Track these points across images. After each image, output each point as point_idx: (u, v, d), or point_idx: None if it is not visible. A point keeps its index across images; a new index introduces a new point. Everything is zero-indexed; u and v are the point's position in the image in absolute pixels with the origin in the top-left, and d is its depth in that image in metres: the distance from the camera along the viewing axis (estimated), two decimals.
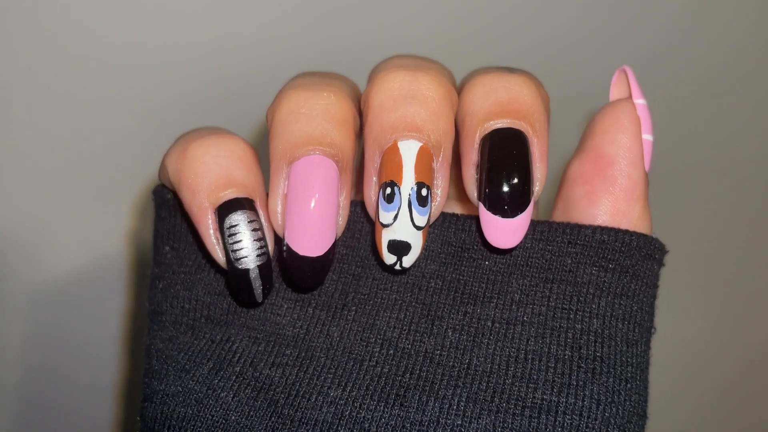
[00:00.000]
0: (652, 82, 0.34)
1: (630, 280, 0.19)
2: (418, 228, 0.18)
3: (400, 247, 0.18)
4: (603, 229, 0.19)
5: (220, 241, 0.19)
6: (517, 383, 0.18)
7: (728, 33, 0.35)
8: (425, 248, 0.20)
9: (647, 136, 0.20)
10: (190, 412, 0.19)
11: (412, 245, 0.18)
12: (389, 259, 0.18)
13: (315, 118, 0.18)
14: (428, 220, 0.18)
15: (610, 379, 0.18)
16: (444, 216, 0.20)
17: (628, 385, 0.19)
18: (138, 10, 0.28)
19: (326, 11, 0.30)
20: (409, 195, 0.18)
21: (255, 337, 0.20)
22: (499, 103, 0.18)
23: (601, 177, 0.20)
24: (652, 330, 0.20)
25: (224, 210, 0.18)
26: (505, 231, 0.18)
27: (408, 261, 0.18)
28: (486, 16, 0.32)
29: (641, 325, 0.19)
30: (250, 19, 0.29)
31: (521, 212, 0.18)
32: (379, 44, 0.30)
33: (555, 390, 0.18)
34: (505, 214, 0.18)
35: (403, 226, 0.18)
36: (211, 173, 0.18)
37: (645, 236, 0.20)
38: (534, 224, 0.20)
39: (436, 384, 0.19)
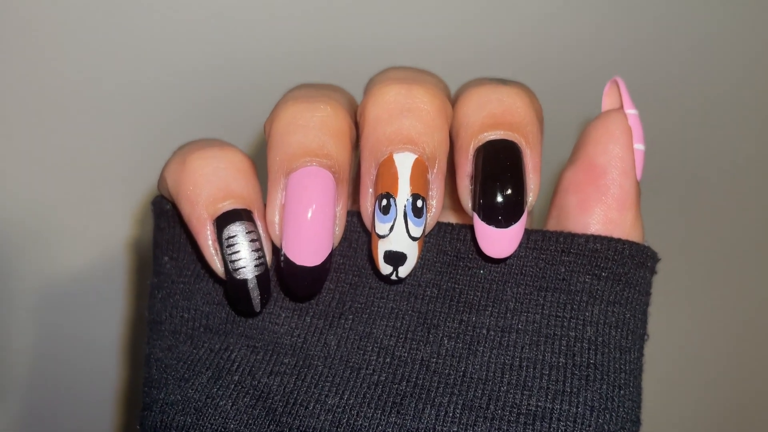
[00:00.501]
0: (643, 92, 0.34)
1: (623, 288, 0.20)
2: (413, 239, 0.18)
3: (395, 258, 0.18)
4: (596, 238, 0.20)
5: (219, 252, 0.19)
6: (512, 390, 0.19)
7: (719, 43, 0.35)
8: (421, 258, 0.20)
9: (639, 146, 0.21)
10: (189, 420, 0.19)
11: (407, 256, 0.18)
12: (385, 269, 0.19)
13: (312, 129, 0.18)
14: (424, 230, 0.19)
15: (604, 386, 0.19)
16: (439, 225, 0.20)
17: (622, 392, 0.19)
18: (138, 20, 0.28)
19: (325, 21, 0.30)
20: (405, 206, 0.18)
21: (253, 346, 0.20)
22: (492, 115, 0.18)
23: (594, 186, 0.20)
24: (645, 337, 0.20)
25: (222, 221, 0.19)
26: (499, 241, 0.18)
27: (404, 271, 0.19)
28: (481, 26, 0.32)
29: (634, 333, 0.20)
30: (249, 31, 0.29)
31: (515, 222, 0.18)
32: (376, 54, 0.30)
33: (549, 397, 0.18)
34: (499, 225, 0.18)
35: (398, 237, 0.18)
36: (209, 185, 0.19)
37: (637, 245, 0.20)
38: (528, 233, 0.20)
39: (432, 391, 0.19)
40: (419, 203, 0.18)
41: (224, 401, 0.19)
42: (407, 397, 0.19)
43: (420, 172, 0.18)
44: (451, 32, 0.32)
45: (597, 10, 0.33)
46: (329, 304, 0.20)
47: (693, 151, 0.38)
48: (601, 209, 0.20)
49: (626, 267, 0.20)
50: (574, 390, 0.18)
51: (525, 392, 0.18)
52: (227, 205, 0.19)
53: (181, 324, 0.21)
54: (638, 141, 0.21)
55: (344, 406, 0.19)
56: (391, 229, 0.18)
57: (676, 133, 0.37)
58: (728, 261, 0.41)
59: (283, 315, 0.20)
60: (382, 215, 0.18)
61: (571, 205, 0.20)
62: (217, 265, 0.19)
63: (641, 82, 0.34)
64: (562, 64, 0.33)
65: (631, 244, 0.20)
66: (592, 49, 0.33)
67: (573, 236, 0.20)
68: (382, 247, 0.18)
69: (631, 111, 0.21)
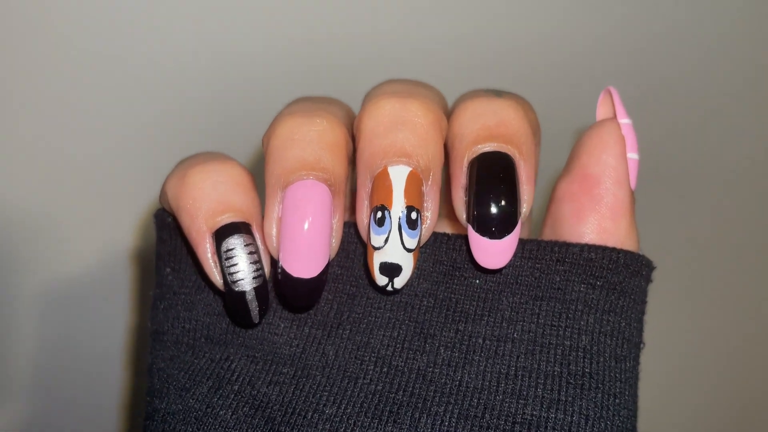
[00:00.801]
0: (640, 94, 0.34)
1: (617, 297, 0.20)
2: (408, 250, 0.18)
3: (391, 269, 0.19)
4: (590, 247, 0.20)
5: (218, 264, 0.19)
6: (507, 399, 0.19)
7: (715, 49, 0.35)
8: (417, 268, 0.20)
9: (632, 155, 0.21)
10: (190, 429, 0.19)
11: (403, 267, 0.19)
12: (381, 280, 0.19)
13: (309, 144, 0.19)
14: (418, 242, 0.19)
15: (599, 395, 0.19)
16: (435, 235, 0.20)
17: (617, 401, 0.19)
18: (142, 31, 0.29)
19: (325, 34, 0.30)
20: (399, 218, 0.18)
21: (253, 356, 0.20)
22: (486, 127, 0.19)
23: (588, 196, 0.20)
24: (641, 345, 0.20)
25: (221, 234, 0.19)
26: (493, 252, 0.18)
27: (399, 282, 0.19)
28: (478, 37, 0.32)
29: (629, 341, 0.20)
30: (250, 45, 0.30)
31: (508, 234, 0.18)
32: (375, 64, 0.31)
33: (544, 406, 0.18)
34: (492, 236, 0.18)
35: (393, 248, 0.18)
36: (209, 198, 0.19)
37: (632, 253, 0.20)
38: (523, 243, 0.20)
39: (428, 401, 0.19)
40: (413, 215, 0.18)
41: (224, 411, 0.19)
42: (404, 406, 0.19)
43: (414, 184, 0.18)
44: (449, 42, 0.32)
45: (591, 20, 0.33)
46: (327, 315, 0.21)
47: (691, 153, 0.38)
48: (595, 218, 0.20)
49: (621, 276, 0.20)
50: (569, 399, 0.19)
51: (520, 401, 0.19)
52: (226, 219, 0.19)
53: (182, 334, 0.21)
54: (632, 150, 0.21)
55: (342, 416, 0.19)
56: (386, 240, 0.18)
57: (676, 135, 0.37)
58: (724, 267, 0.41)
59: (282, 325, 0.21)
60: (377, 227, 0.18)
61: (565, 215, 0.20)
62: (216, 278, 0.19)
63: (637, 85, 0.34)
64: (556, 75, 0.33)
65: (625, 253, 0.20)
66: (587, 59, 0.33)
67: (568, 245, 0.20)
68: (377, 259, 0.19)
69: (624, 120, 0.21)
